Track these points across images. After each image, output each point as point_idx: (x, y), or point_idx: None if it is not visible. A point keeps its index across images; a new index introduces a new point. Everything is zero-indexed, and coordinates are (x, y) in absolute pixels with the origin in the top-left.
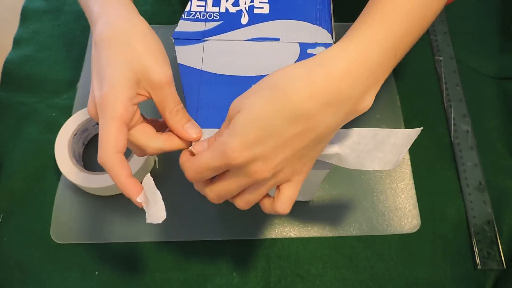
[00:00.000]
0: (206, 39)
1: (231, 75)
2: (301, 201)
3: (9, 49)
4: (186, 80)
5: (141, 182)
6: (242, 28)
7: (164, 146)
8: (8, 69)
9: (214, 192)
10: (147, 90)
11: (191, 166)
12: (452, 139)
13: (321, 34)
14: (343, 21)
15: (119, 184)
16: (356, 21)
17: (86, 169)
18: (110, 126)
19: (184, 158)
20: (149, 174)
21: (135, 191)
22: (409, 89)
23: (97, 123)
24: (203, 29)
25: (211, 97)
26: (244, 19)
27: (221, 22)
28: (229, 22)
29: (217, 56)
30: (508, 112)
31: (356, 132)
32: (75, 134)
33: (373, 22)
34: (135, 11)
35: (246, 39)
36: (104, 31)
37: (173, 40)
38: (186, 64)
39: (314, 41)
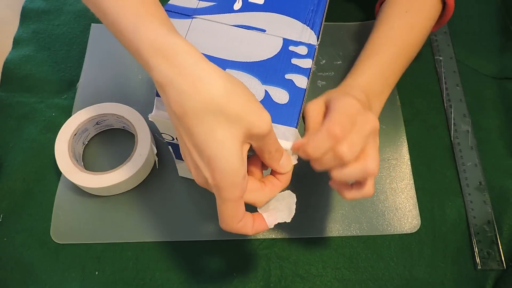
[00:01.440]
0: (195, 16)
1: (207, 55)
2: (296, 199)
3: (9, 49)
4: None
5: (140, 182)
6: (233, 13)
7: (271, 195)
8: (8, 69)
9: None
10: (250, 142)
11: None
12: (452, 139)
13: (307, 35)
14: (334, 20)
15: (250, 233)
16: (358, 61)
17: (86, 169)
18: (230, 206)
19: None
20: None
21: (264, 226)
22: (409, 89)
23: (97, 123)
24: (195, 6)
25: None
26: (237, 5)
27: (214, 3)
28: (222, 5)
29: (200, 34)
30: (508, 112)
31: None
32: (75, 134)
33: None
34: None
35: (233, 24)
36: (184, 102)
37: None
38: None
39: (298, 40)
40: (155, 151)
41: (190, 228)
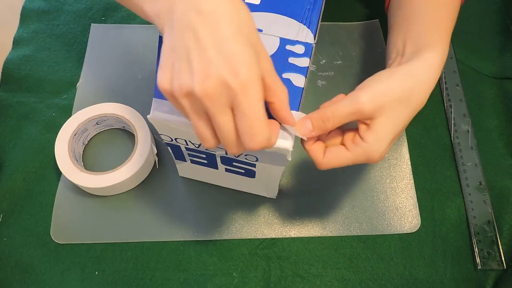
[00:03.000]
0: None
1: None
2: (296, 199)
3: (9, 49)
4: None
5: (140, 182)
6: None
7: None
8: (8, 69)
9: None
10: None
11: (329, 162)
12: (452, 139)
13: (304, 33)
14: (334, 20)
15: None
16: (414, 35)
17: (86, 169)
18: (259, 106)
19: (320, 156)
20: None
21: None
22: None
23: (97, 123)
24: None
25: None
26: None
27: None
28: None
29: None
30: (508, 112)
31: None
32: (75, 134)
33: (438, 40)
34: None
35: None
36: (204, 4)
37: None
38: None
39: (295, 39)
40: (155, 151)
41: (190, 228)
